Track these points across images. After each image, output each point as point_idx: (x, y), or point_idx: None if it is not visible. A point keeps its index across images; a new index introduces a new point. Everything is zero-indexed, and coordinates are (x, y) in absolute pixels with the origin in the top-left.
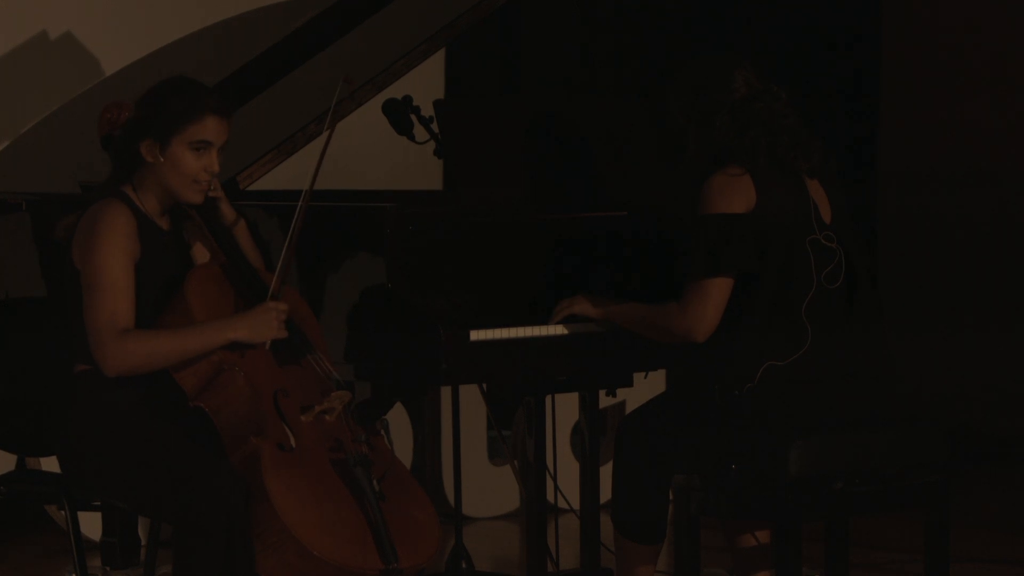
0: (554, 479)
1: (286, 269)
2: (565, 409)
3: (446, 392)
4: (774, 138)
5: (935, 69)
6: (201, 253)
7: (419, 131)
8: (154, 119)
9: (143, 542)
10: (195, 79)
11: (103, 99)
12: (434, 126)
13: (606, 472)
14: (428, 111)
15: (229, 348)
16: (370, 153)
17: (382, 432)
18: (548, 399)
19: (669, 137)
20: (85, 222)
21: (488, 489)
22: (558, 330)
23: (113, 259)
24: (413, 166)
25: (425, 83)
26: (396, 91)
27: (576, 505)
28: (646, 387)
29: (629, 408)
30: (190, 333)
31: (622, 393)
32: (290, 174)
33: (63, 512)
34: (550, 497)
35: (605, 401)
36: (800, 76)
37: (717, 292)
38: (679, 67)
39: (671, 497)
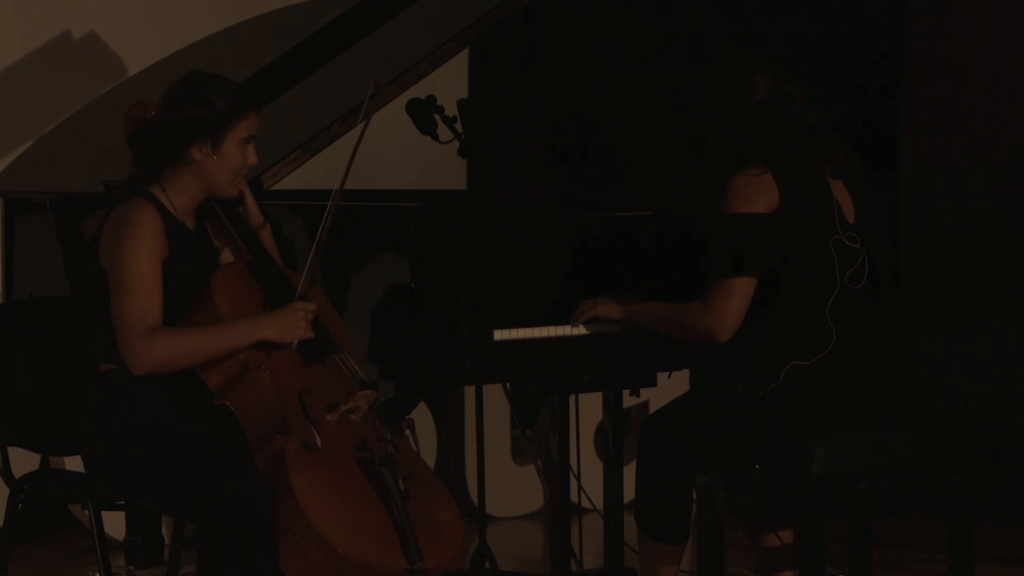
0: (578, 479)
1: (314, 269)
2: (589, 409)
3: (470, 391)
4: (792, 139)
5: (958, 66)
6: (224, 252)
7: (443, 131)
8: (205, 121)
9: (166, 541)
10: (216, 73)
11: (127, 99)
12: (458, 126)
13: (630, 472)
14: (452, 111)
15: (256, 347)
16: (394, 153)
17: (407, 432)
18: (572, 399)
19: (693, 136)
20: (112, 222)
21: (512, 488)
22: (582, 330)
23: (141, 258)
24: (437, 166)
25: (449, 83)
26: (420, 91)
27: (600, 505)
28: (670, 387)
29: (652, 408)
30: (218, 332)
31: (646, 393)
32: (314, 173)
33: (87, 511)
34: (574, 497)
35: (629, 401)
36: (822, 74)
37: (740, 292)
38: (702, 67)
39: (694, 497)
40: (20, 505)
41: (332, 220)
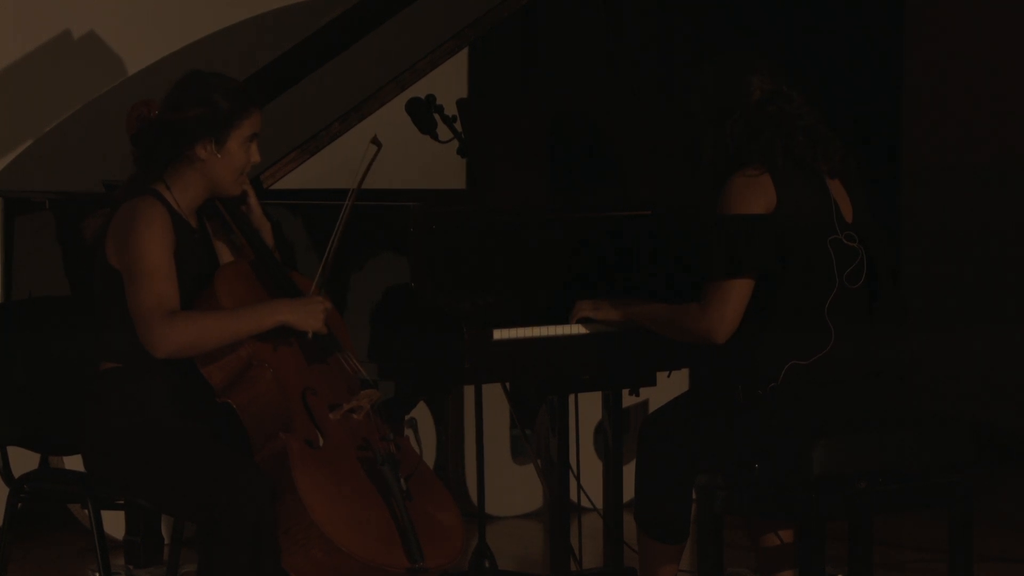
0: (577, 478)
1: (328, 268)
2: (588, 408)
3: (469, 391)
4: (789, 139)
5: (958, 66)
6: (226, 251)
7: (442, 130)
8: (209, 120)
9: (166, 541)
10: (217, 73)
11: (126, 98)
12: (457, 125)
13: (629, 471)
14: (451, 110)
15: (260, 342)
16: (393, 152)
17: (409, 431)
18: (571, 398)
19: (692, 136)
20: (121, 217)
21: (511, 488)
22: (581, 329)
23: (155, 245)
24: (436, 165)
25: (449, 82)
26: (419, 90)
27: (599, 504)
28: (669, 386)
29: (652, 407)
30: (239, 313)
31: (645, 392)
32: (314, 173)
33: (87, 511)
34: (573, 496)
35: (628, 400)
36: (823, 74)
37: (737, 293)
38: (701, 67)
39: (694, 496)
40: (20, 505)
41: (345, 225)
